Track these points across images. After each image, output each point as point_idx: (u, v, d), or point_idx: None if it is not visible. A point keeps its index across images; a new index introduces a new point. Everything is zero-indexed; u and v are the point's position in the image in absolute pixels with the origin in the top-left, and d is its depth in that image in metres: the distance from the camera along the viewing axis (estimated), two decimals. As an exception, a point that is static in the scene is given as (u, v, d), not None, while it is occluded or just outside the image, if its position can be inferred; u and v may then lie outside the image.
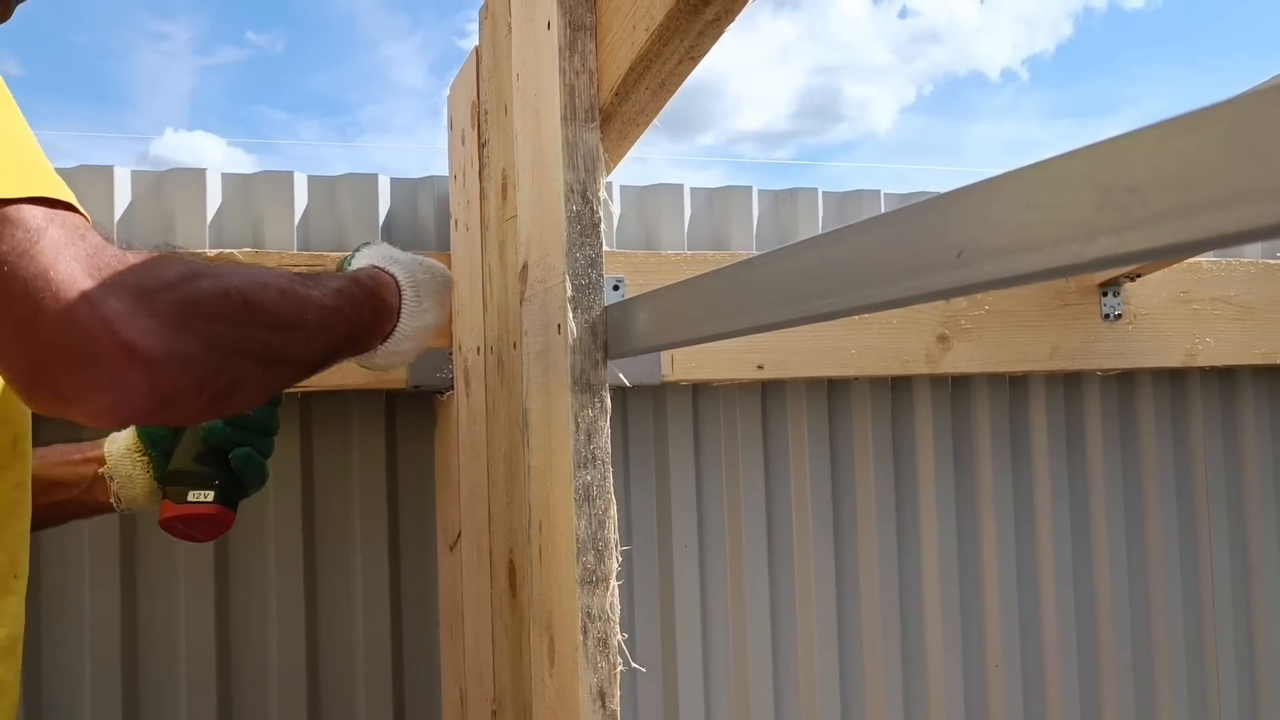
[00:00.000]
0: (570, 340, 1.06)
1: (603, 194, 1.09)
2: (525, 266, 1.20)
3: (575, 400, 1.05)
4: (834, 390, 1.95)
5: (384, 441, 1.69)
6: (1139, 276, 1.93)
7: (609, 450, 1.07)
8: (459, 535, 1.57)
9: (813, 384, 1.93)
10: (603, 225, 1.10)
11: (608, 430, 1.07)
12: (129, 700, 1.56)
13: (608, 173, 1.17)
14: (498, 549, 1.35)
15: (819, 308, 0.69)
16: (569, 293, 1.06)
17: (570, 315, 1.06)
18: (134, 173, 1.62)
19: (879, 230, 0.63)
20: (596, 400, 1.07)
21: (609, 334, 1.07)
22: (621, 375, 1.66)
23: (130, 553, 1.58)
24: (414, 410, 1.71)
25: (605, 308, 1.07)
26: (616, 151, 1.16)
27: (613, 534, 1.06)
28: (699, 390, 1.86)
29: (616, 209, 1.86)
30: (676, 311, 0.91)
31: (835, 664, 1.92)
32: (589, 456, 1.05)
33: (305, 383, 1.53)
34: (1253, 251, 2.15)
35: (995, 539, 2.04)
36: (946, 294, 0.59)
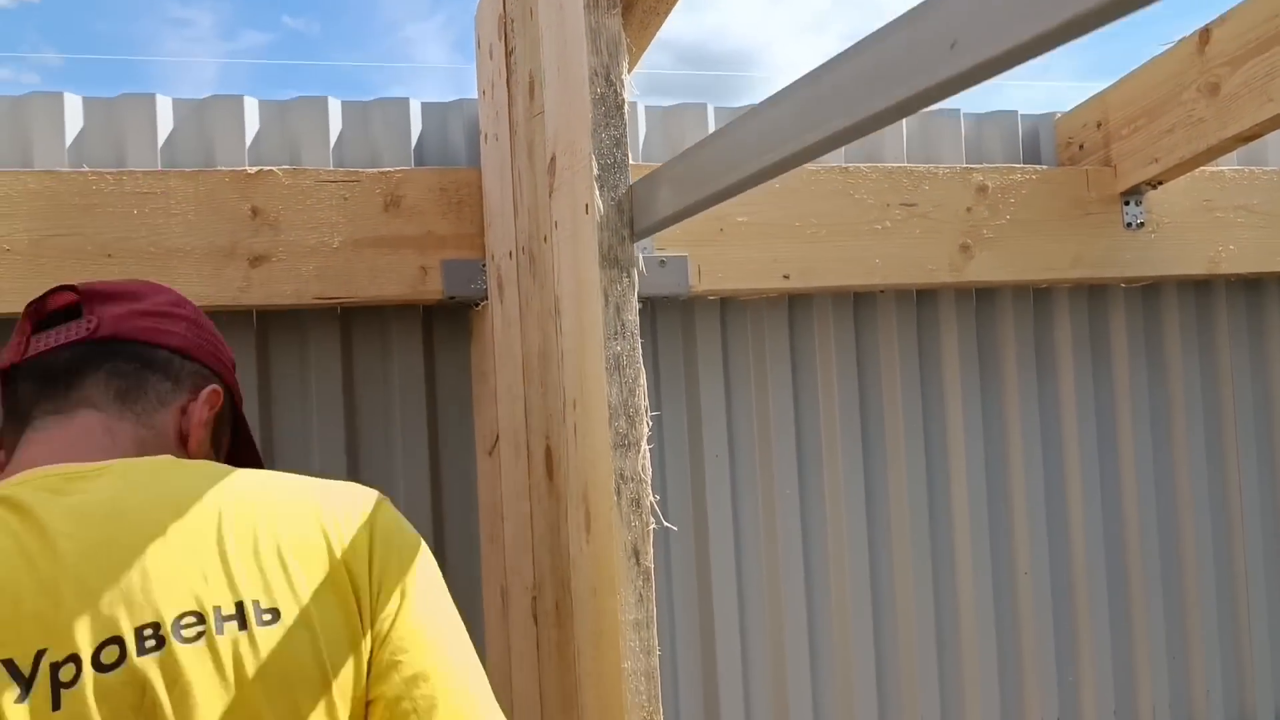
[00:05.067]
0: (598, 217, 1.10)
1: (626, 78, 1.13)
2: (553, 159, 1.25)
3: (604, 275, 1.10)
4: (860, 304, 1.99)
5: (422, 355, 1.75)
6: (1160, 184, 1.95)
7: (637, 323, 1.12)
8: (496, 439, 1.62)
9: (839, 298, 1.97)
10: (628, 143, 1.14)
11: (636, 305, 1.12)
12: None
13: (631, 64, 1.21)
14: (534, 440, 1.40)
15: (832, 129, 0.73)
16: (595, 171, 1.10)
17: (597, 193, 1.10)
18: (175, 100, 1.68)
19: (875, 44, 0.67)
20: (625, 276, 1.11)
21: (634, 211, 1.11)
22: (651, 286, 1.71)
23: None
24: (449, 324, 1.76)
25: (630, 185, 1.12)
26: (639, 40, 1.20)
27: (643, 401, 1.11)
28: (727, 305, 1.90)
29: (642, 129, 1.90)
30: (700, 169, 0.96)
31: (865, 571, 1.97)
32: (619, 328, 1.10)
33: (345, 295, 1.60)
34: (1276, 160, 2.16)
35: (1021, 449, 2.07)
36: (946, 90, 0.63)
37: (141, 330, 1.08)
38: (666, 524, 1.68)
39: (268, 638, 0.83)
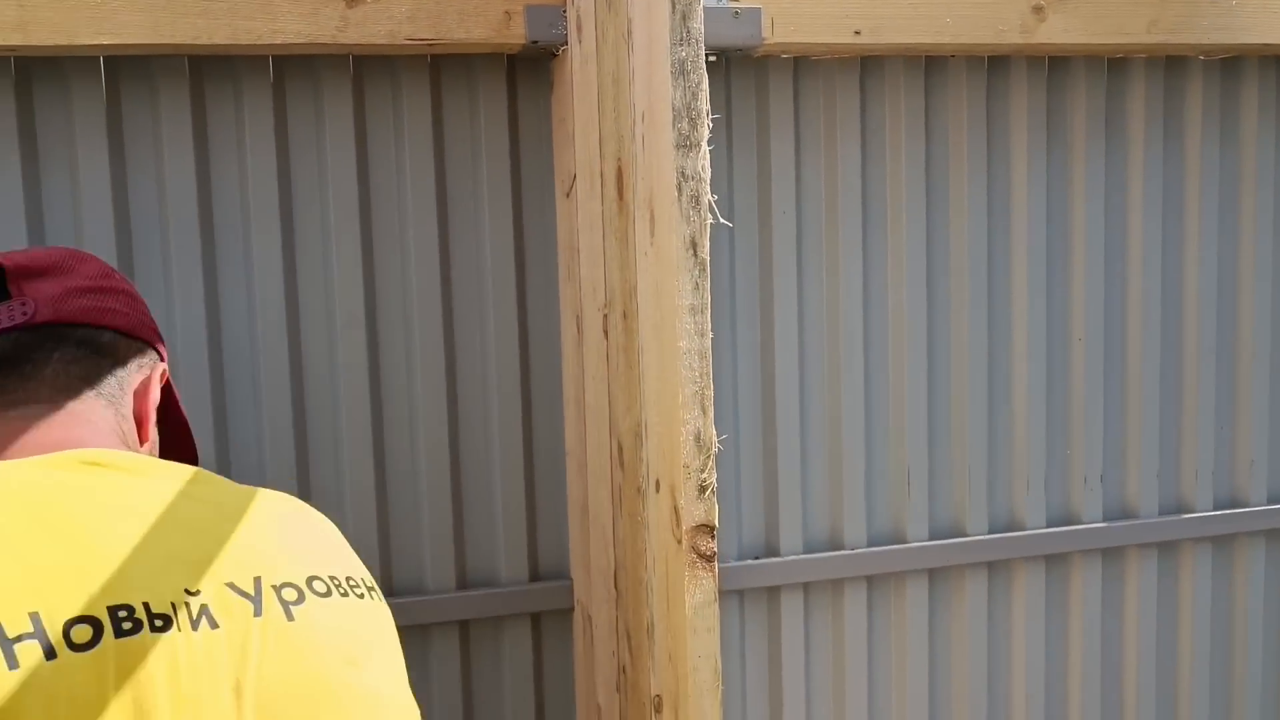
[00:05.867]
0: (667, -70, 1.17)
1: None
2: (629, -117, 1.31)
3: (672, -15, 1.18)
4: (930, 69, 2.03)
5: (506, 106, 1.85)
6: (1246, -53, 1.92)
7: (702, 32, 1.20)
8: (573, 179, 1.74)
9: (910, 62, 2.00)
10: None
11: (700, 14, 1.20)
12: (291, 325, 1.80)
13: None
14: (607, 166, 1.51)
15: None
16: (666, -116, 1.17)
17: (668, -93, 1.17)
18: None
19: None
20: (691, -14, 1.19)
21: (702, -77, 1.18)
22: (724, 38, 1.77)
23: (288, 193, 1.79)
24: (532, 74, 1.85)
25: (699, -101, 1.18)
26: None
27: (704, 104, 1.20)
28: (799, 65, 1.96)
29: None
30: None
31: (923, 333, 2.06)
32: (684, 35, 1.19)
33: (435, 37, 1.70)
34: (1374, -73, 2.11)
35: (1084, 220, 2.12)
36: None
37: (83, 311, 1.03)
38: (724, 220, 1.80)
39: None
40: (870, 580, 2.08)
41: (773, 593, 2.02)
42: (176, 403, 1.24)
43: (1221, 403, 2.25)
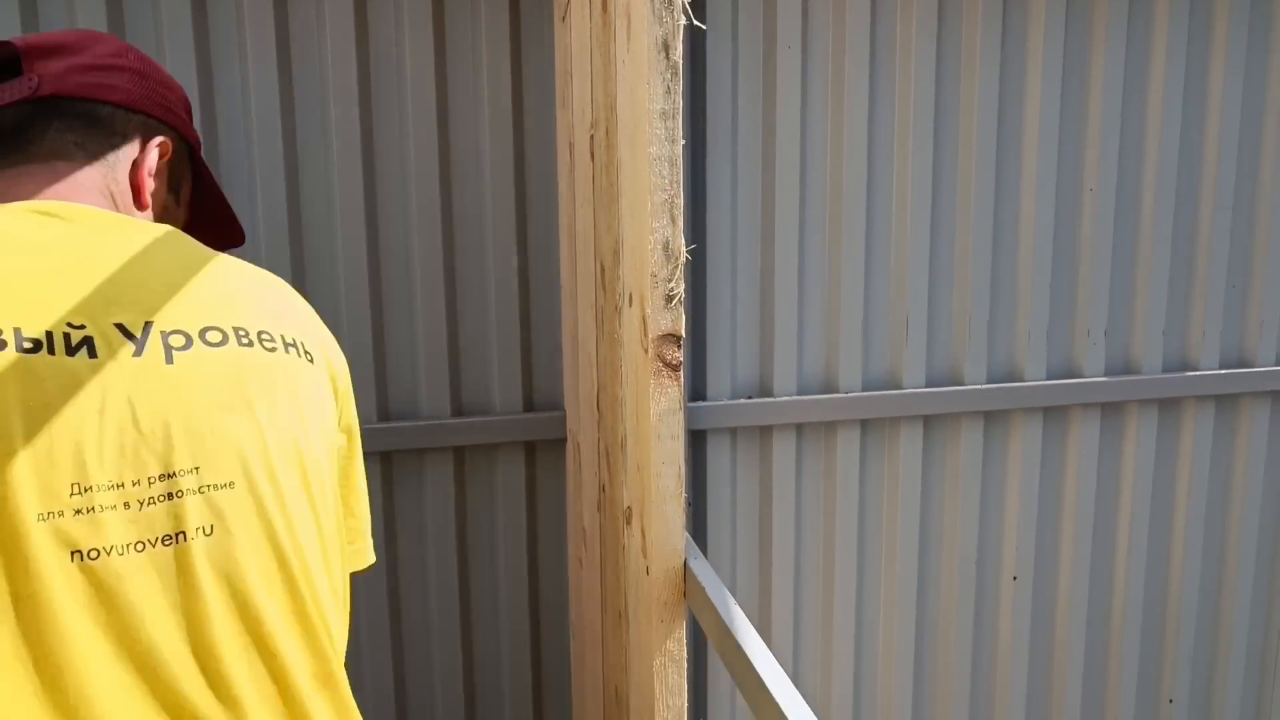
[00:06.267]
0: None
1: None
2: None
3: None
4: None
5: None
6: None
7: None
8: (568, 3, 1.71)
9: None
10: None
11: None
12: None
13: None
14: (595, -19, 1.48)
15: None
16: None
17: None
18: None
19: None
20: None
21: None
22: None
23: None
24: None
25: None
26: None
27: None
28: (810, -107, 1.90)
29: None
30: None
31: (928, 176, 2.03)
32: None
33: None
34: None
35: (1103, 68, 2.06)
36: None
37: (83, 87, 1.09)
38: (696, 23, 1.77)
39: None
40: (864, 424, 2.09)
41: (765, 432, 2.04)
42: (211, 182, 1.29)
43: (1235, 260, 2.21)
